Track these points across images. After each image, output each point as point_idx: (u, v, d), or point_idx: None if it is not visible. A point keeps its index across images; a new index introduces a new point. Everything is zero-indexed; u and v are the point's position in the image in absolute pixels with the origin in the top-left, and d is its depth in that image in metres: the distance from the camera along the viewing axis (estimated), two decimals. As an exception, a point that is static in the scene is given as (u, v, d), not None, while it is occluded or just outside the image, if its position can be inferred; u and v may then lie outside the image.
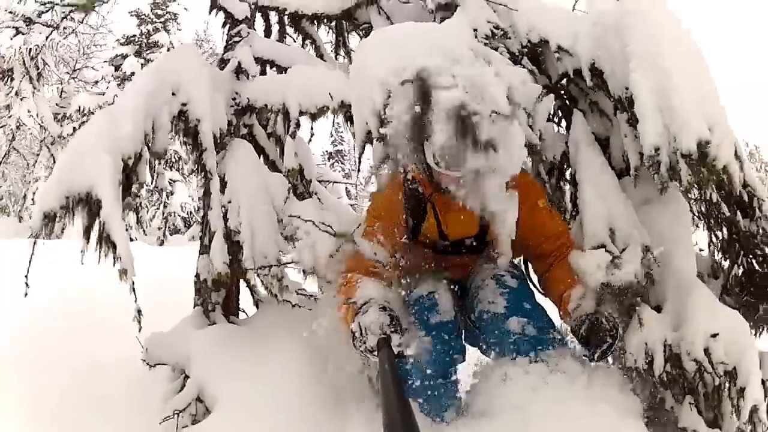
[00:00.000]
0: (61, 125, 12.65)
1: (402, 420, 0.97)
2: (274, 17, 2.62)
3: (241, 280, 2.14)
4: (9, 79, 11.70)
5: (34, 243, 1.75)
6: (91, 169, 1.71)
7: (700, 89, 1.44)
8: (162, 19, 14.63)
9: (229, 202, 1.96)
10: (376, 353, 1.40)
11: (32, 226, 1.72)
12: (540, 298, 1.85)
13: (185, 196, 14.28)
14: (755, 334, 1.87)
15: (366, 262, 1.75)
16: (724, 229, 1.85)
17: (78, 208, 1.70)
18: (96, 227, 1.70)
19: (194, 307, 2.07)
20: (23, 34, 11.29)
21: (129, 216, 12.21)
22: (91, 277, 2.61)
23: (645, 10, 1.54)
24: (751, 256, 1.77)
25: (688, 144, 1.38)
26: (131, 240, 11.21)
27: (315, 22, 2.44)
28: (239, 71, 2.11)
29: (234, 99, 2.07)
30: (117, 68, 13.55)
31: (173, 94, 1.94)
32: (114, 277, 1.70)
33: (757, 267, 1.78)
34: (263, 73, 2.34)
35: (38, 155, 13.84)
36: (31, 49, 11.67)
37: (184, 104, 1.95)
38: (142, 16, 14.69)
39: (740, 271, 1.82)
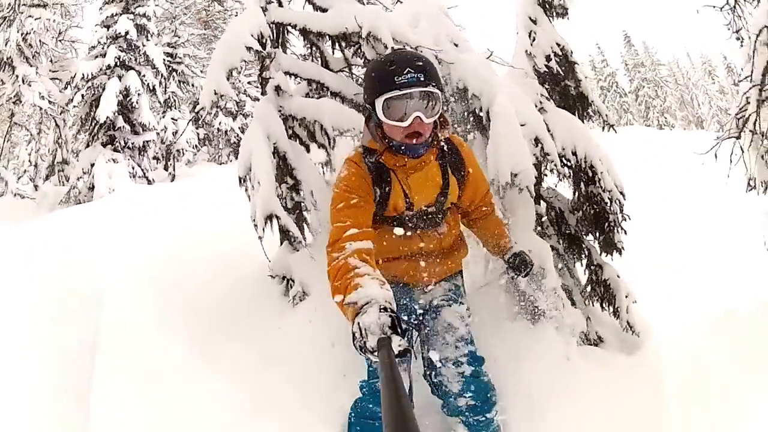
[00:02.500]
0: (71, 96, 13.24)
1: (402, 420, 0.97)
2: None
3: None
4: (11, 69, 12.39)
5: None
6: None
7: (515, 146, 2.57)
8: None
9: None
10: (376, 353, 1.40)
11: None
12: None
13: (190, 132, 15.16)
14: (602, 254, 3.18)
15: (353, 239, 1.92)
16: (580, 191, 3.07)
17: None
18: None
19: (281, 244, 3.27)
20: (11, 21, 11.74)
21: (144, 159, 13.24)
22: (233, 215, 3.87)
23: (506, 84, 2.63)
24: (594, 204, 3.00)
25: (505, 177, 2.56)
26: (149, 182, 12.42)
27: (319, 38, 3.44)
28: (278, 89, 3.18)
29: (279, 111, 3.16)
30: (108, 28, 14.08)
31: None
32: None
33: (596, 209, 3.01)
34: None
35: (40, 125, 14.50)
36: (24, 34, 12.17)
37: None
38: None
39: (591, 213, 3.07)
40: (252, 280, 3.41)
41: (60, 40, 14.16)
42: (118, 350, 2.87)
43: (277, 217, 2.81)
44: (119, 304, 3.28)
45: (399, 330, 1.46)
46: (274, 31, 3.38)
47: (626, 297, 3.08)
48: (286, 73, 3.30)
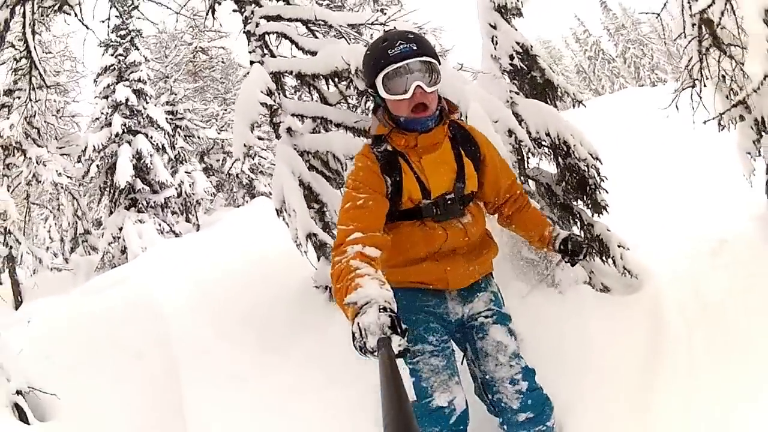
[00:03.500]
0: (86, 168, 13.93)
1: (402, 420, 0.97)
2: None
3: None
4: (21, 153, 13.05)
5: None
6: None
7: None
8: (128, 39, 15.46)
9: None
10: (376, 354, 1.40)
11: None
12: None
13: (204, 182, 15.83)
14: (593, 215, 3.67)
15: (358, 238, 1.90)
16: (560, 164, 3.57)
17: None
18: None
19: (318, 260, 3.80)
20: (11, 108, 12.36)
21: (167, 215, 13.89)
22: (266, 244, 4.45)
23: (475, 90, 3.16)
24: (574, 173, 3.51)
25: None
26: (177, 235, 13.04)
27: (314, 78, 3.98)
28: (290, 130, 3.72)
29: (295, 148, 3.70)
30: (108, 98, 14.78)
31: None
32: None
33: (577, 177, 3.53)
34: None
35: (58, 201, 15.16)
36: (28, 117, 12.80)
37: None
38: (111, 43, 15.55)
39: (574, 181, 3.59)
40: (298, 292, 3.96)
41: (60, 117, 14.78)
42: (197, 359, 3.45)
43: (315, 235, 3.33)
44: (188, 321, 3.88)
45: (399, 330, 1.46)
46: (273, 79, 3.92)
47: (618, 246, 3.54)
48: (292, 115, 3.85)
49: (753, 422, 2.22)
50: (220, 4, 6.44)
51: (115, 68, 14.89)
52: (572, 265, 2.64)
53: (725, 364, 2.62)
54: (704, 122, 3.64)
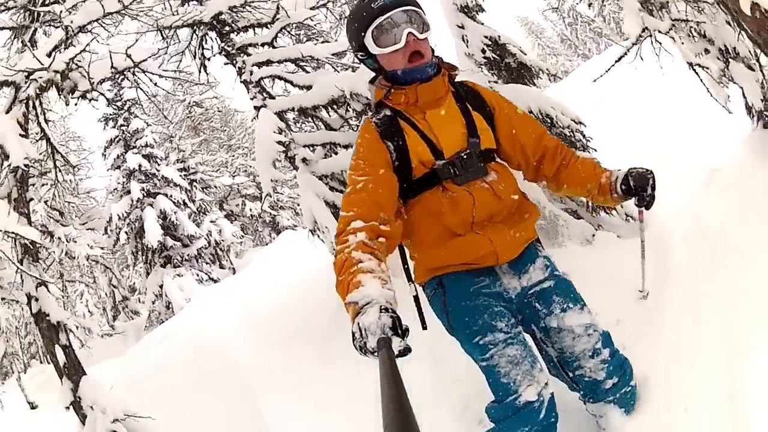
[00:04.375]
0: (115, 237, 14.65)
1: (402, 421, 0.97)
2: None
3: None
4: (48, 235, 13.45)
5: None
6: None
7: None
8: (125, 109, 16.16)
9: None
10: (376, 353, 1.39)
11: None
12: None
13: (230, 227, 16.48)
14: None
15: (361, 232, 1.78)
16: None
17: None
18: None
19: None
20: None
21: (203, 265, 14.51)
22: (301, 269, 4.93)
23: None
24: (563, 140, 3.84)
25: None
26: (214, 281, 13.65)
27: (315, 109, 4.43)
28: (305, 160, 4.17)
29: (312, 173, 4.13)
30: (120, 167, 15.53)
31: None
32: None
33: (566, 143, 3.84)
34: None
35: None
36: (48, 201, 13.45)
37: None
38: (110, 116, 16.26)
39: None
40: (339, 305, 4.42)
41: (76, 195, 15.32)
42: (264, 375, 3.92)
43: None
44: (246, 346, 4.38)
45: (399, 331, 1.44)
46: (279, 118, 4.38)
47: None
48: (304, 146, 4.30)
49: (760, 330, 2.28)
50: (209, 60, 6.99)
51: (120, 139, 15.75)
52: (646, 207, 2.16)
53: (731, 280, 2.74)
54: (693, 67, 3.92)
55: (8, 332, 12.61)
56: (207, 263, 15.29)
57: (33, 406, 11.64)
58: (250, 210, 19.31)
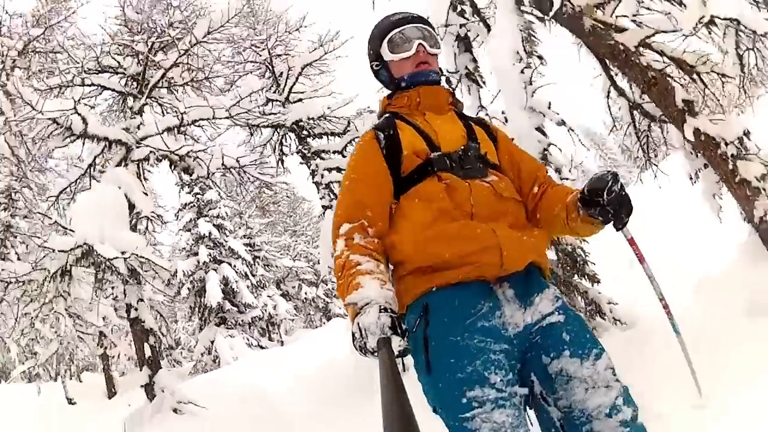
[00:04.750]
0: (177, 291, 15.87)
1: (402, 421, 0.97)
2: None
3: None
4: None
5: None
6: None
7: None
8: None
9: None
10: (376, 354, 1.37)
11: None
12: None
13: (285, 305, 17.57)
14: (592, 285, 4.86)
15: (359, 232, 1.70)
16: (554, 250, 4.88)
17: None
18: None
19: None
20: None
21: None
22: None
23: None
24: (565, 256, 4.79)
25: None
26: (261, 348, 14.49)
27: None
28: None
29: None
30: (191, 230, 16.94)
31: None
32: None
33: (568, 258, 4.80)
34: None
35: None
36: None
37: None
38: (186, 183, 17.78)
39: (567, 261, 4.84)
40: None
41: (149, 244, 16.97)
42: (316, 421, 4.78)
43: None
44: (295, 399, 5.25)
45: (399, 330, 1.42)
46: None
47: (608, 303, 4.71)
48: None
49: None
50: (287, 156, 8.34)
51: (194, 205, 17.01)
52: (615, 222, 1.67)
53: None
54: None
55: (65, 339, 13.88)
56: (258, 332, 16.34)
57: (71, 402, 13.93)
58: (306, 293, 20.35)
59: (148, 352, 5.12)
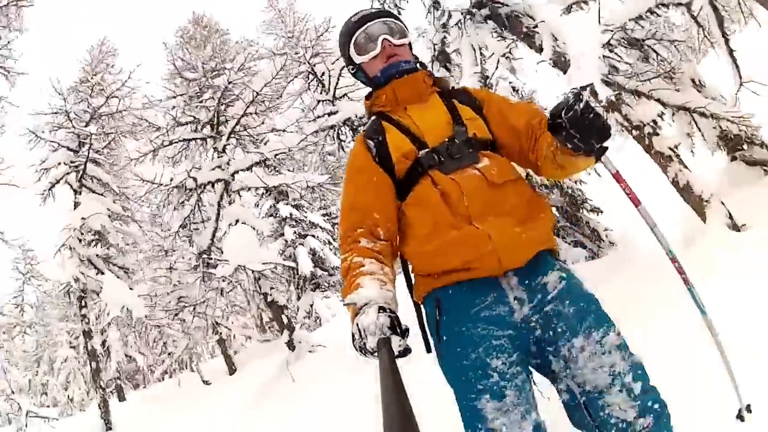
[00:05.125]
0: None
1: (402, 421, 0.97)
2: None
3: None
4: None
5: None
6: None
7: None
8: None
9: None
10: (375, 353, 1.38)
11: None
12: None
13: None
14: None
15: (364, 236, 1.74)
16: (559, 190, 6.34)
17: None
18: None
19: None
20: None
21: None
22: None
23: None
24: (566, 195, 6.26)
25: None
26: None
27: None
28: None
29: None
30: (275, 215, 19.24)
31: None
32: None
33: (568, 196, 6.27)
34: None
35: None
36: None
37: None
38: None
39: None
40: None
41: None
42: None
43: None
44: None
45: (398, 330, 1.44)
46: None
47: (604, 230, 6.23)
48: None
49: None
50: (345, 142, 10.03)
51: (271, 192, 19.01)
52: (573, 147, 1.57)
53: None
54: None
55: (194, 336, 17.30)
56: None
57: (207, 383, 17.20)
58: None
59: (285, 320, 7.43)
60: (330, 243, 18.22)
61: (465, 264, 1.63)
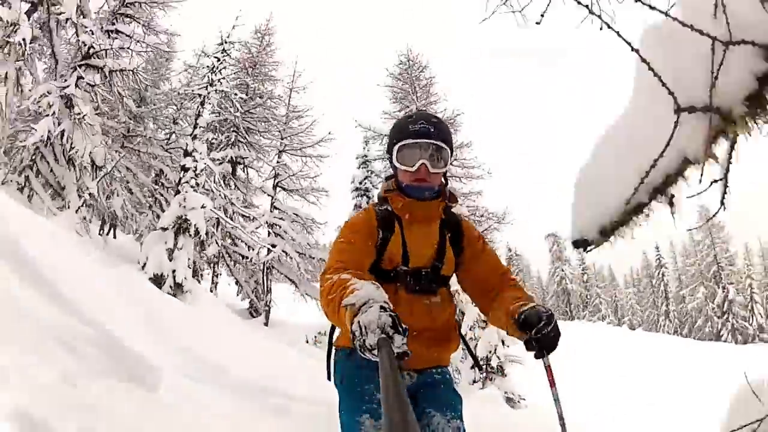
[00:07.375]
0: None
1: (402, 420, 0.97)
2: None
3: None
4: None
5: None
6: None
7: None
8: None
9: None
10: (376, 352, 1.39)
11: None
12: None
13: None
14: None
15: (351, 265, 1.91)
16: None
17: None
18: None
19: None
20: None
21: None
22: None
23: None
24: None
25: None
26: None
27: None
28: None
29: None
30: (357, 189, 22.45)
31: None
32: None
33: None
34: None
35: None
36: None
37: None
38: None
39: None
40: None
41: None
42: None
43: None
44: None
45: (400, 329, 1.46)
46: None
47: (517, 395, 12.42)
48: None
49: None
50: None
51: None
52: (537, 350, 1.92)
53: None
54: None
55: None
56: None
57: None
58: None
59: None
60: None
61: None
